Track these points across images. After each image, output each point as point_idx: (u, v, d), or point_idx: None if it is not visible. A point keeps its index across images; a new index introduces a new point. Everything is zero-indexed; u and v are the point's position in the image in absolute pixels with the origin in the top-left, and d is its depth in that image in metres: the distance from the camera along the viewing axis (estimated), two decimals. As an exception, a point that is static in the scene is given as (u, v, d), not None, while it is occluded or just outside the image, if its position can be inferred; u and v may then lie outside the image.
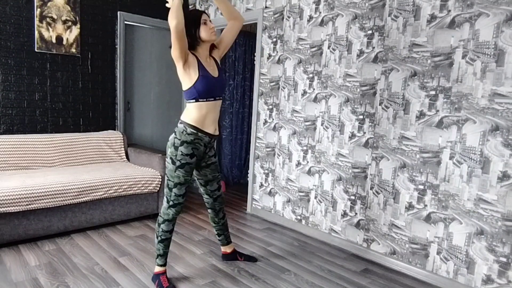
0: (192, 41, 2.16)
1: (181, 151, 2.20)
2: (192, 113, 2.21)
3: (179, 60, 2.09)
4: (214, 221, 2.63)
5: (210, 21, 2.21)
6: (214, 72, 2.25)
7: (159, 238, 2.32)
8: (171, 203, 2.27)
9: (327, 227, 3.24)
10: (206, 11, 2.23)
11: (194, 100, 2.19)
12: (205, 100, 2.20)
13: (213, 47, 2.33)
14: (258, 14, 3.69)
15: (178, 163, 2.20)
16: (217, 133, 2.33)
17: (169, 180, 2.25)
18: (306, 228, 3.39)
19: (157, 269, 2.38)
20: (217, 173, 2.49)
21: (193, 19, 2.16)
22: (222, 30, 2.49)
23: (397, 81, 2.72)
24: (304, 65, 3.34)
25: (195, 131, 2.21)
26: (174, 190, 2.24)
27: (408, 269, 2.71)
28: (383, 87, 2.80)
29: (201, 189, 2.53)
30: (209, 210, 2.60)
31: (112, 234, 3.15)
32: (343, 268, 2.74)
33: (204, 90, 2.17)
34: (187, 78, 2.16)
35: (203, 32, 2.17)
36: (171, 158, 2.22)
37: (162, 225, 2.30)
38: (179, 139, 2.21)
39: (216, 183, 2.50)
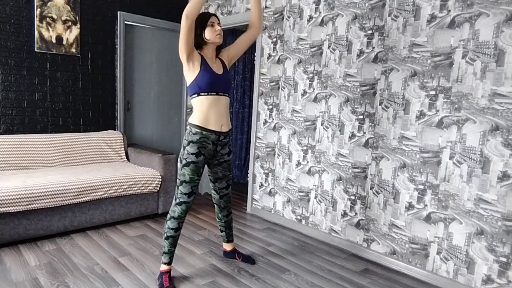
0: (198, 40, 2.27)
1: (187, 150, 2.28)
2: (196, 112, 2.28)
3: (183, 53, 2.17)
4: (218, 217, 2.71)
5: (218, 24, 2.29)
6: (219, 70, 2.32)
7: (164, 234, 2.39)
8: (177, 200, 2.34)
9: (327, 227, 3.23)
10: (216, 15, 2.32)
11: (196, 95, 2.27)
12: (206, 94, 2.25)
13: (219, 49, 2.42)
14: (258, 14, 3.69)
15: (184, 162, 2.29)
16: (225, 129, 2.34)
17: (178, 178, 2.34)
18: (306, 228, 3.39)
19: (162, 267, 2.41)
20: (228, 172, 2.53)
21: (201, 20, 2.26)
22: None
23: (397, 81, 2.72)
24: (304, 65, 3.34)
25: (199, 130, 2.27)
26: (180, 188, 2.32)
27: (408, 269, 2.71)
28: (383, 87, 2.80)
29: (211, 185, 2.61)
30: (215, 205, 2.68)
31: (112, 234, 3.15)
32: (343, 268, 2.74)
33: (205, 84, 2.23)
34: (191, 73, 2.24)
35: (208, 33, 2.27)
36: (179, 157, 2.33)
37: (168, 222, 2.37)
38: (187, 140, 2.30)
39: (225, 182, 2.55)
